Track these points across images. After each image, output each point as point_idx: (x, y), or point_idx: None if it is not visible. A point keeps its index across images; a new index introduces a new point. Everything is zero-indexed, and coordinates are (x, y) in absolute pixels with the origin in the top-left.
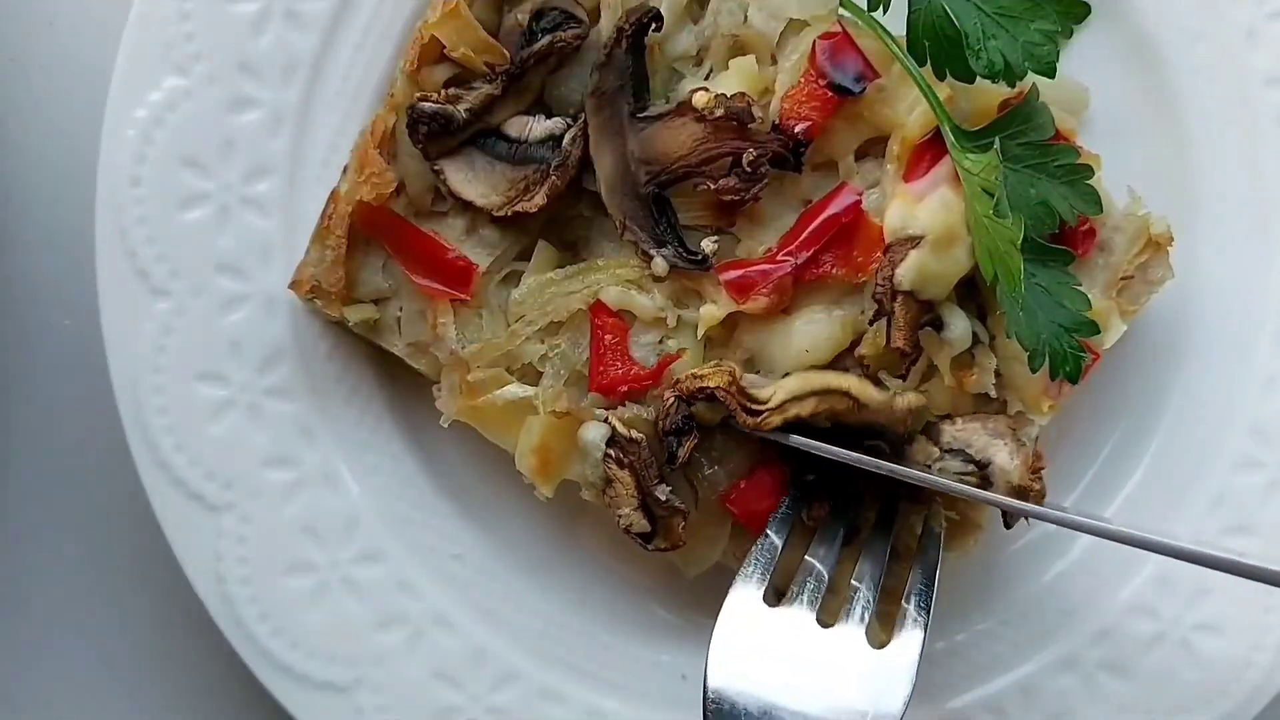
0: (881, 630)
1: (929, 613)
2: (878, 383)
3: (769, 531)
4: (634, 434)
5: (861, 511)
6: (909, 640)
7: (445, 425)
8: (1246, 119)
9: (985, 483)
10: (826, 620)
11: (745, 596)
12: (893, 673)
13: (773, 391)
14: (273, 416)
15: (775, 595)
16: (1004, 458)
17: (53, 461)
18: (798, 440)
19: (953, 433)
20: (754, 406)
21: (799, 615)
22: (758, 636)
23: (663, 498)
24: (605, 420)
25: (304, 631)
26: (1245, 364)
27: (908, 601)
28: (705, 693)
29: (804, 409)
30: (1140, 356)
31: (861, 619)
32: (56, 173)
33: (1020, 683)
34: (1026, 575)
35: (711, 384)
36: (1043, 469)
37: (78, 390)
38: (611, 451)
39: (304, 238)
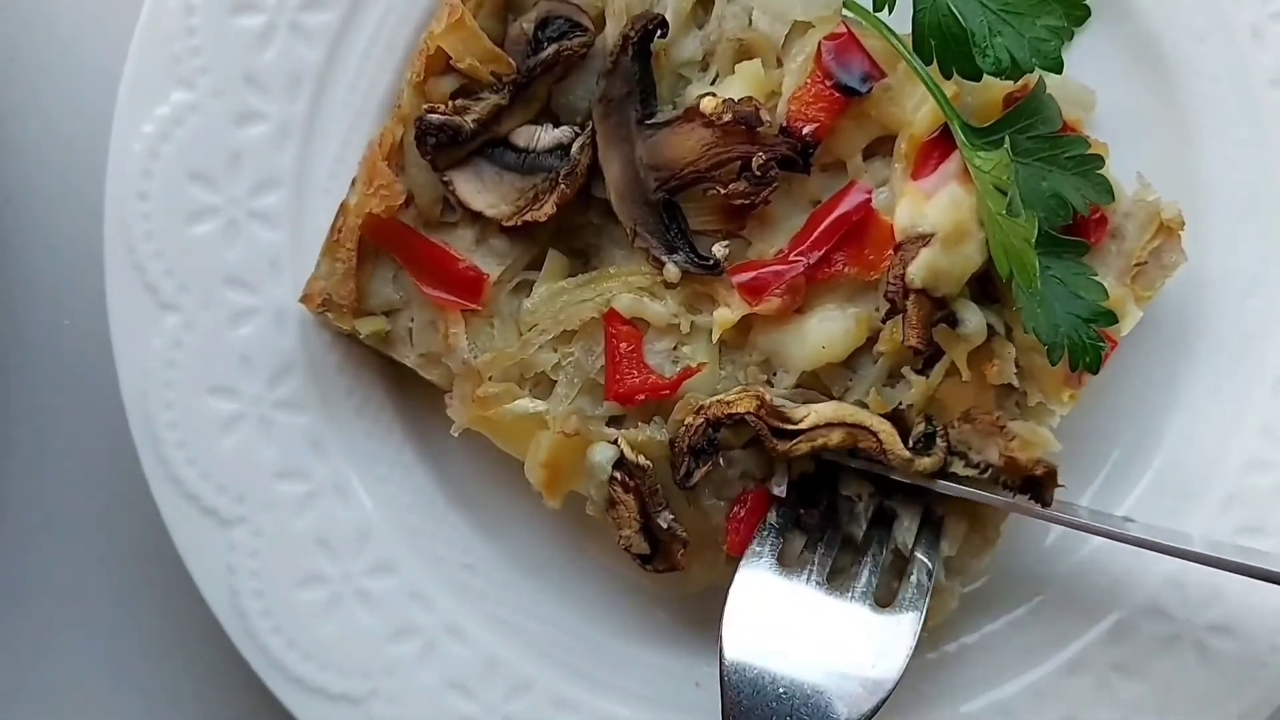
0: (884, 602)
1: (928, 594)
2: (899, 375)
3: (772, 519)
4: (642, 460)
5: (856, 513)
6: (910, 610)
7: (455, 434)
8: (1253, 118)
9: (992, 482)
10: (832, 591)
11: (755, 570)
12: (894, 638)
13: (806, 413)
14: (284, 429)
15: (783, 569)
16: (994, 455)
17: (54, 462)
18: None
19: (955, 436)
20: (786, 427)
21: (806, 586)
22: (768, 605)
23: (665, 525)
24: (614, 442)
25: (317, 644)
26: (1256, 363)
27: (910, 578)
28: (721, 659)
29: (832, 439)
30: (1151, 357)
31: (865, 591)
32: (57, 174)
33: (1033, 685)
34: (1038, 578)
35: (740, 409)
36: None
37: (79, 390)
38: (618, 475)
39: (312, 250)
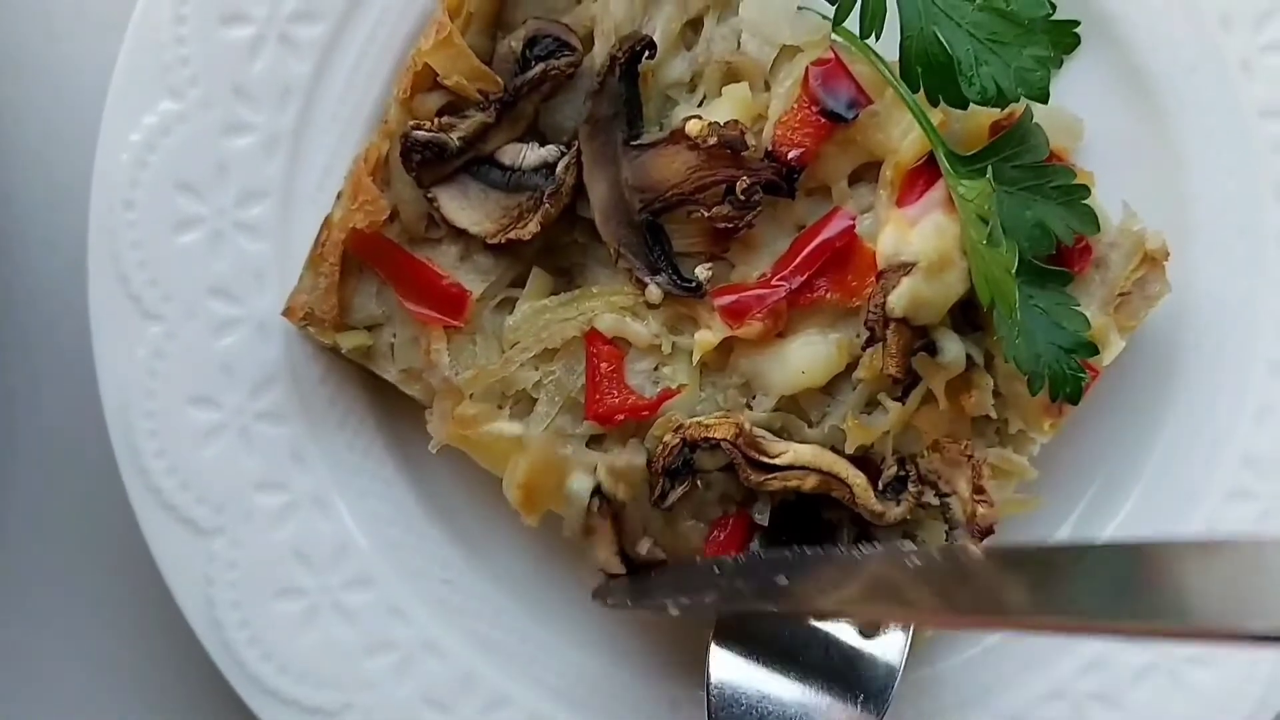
0: (868, 630)
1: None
2: (877, 404)
3: (755, 549)
4: (620, 494)
5: (838, 539)
6: (895, 635)
7: (434, 450)
8: (1242, 150)
9: (945, 513)
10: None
11: None
12: (881, 664)
13: (784, 450)
14: (264, 441)
15: None
16: (964, 487)
17: (34, 470)
18: None
19: (926, 465)
20: (763, 460)
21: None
22: (754, 634)
23: (643, 552)
24: (593, 471)
25: (293, 656)
26: (1238, 394)
27: None
28: (708, 683)
29: (806, 483)
30: (1133, 386)
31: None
32: (54, 173)
33: (1009, 713)
34: None
35: (717, 435)
36: (985, 490)
37: (75, 390)
38: (594, 503)
39: (297, 262)
